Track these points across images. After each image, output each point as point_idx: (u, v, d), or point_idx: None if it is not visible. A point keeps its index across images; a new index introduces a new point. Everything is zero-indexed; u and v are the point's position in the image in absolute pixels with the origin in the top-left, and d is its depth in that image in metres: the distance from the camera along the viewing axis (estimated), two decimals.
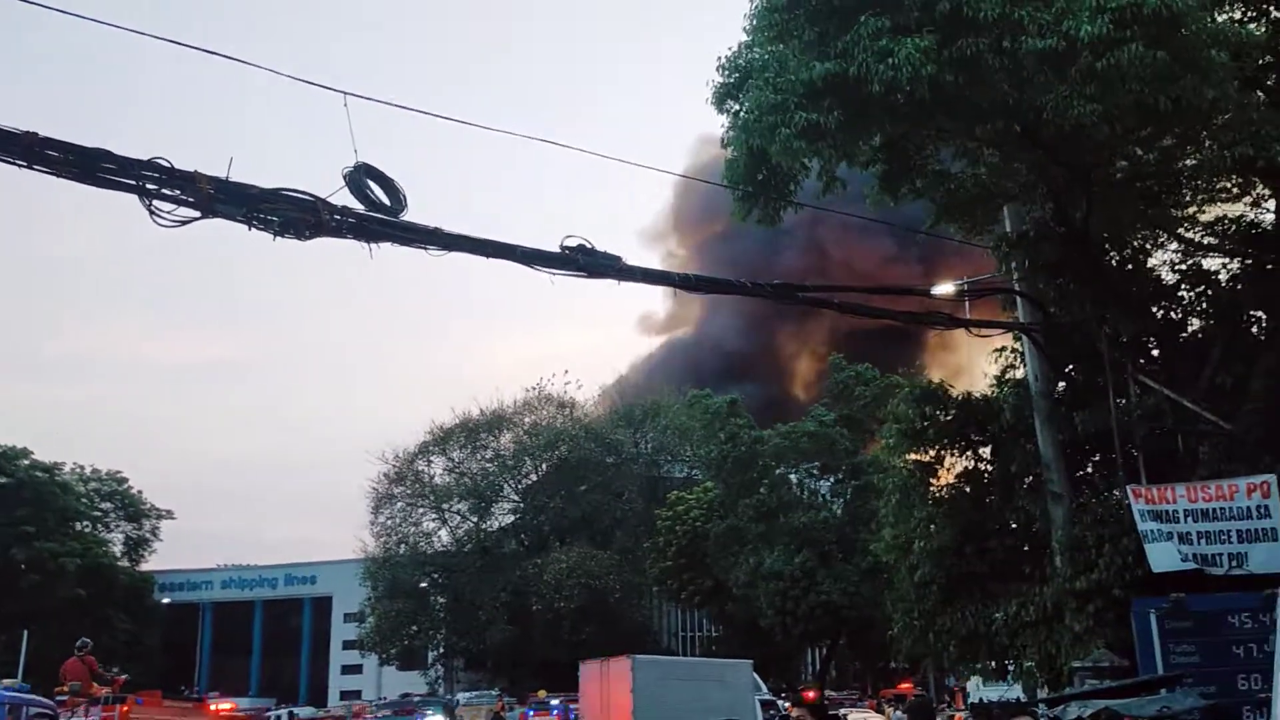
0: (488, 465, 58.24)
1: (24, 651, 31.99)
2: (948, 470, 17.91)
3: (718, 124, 13.77)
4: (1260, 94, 13.37)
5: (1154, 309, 16.35)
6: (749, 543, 39.62)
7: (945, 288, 16.49)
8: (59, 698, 16.11)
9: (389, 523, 57.62)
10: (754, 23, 12.96)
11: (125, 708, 16.39)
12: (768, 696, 32.62)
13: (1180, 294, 16.48)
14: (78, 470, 67.70)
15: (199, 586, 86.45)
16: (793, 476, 41.79)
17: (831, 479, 42.05)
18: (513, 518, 59.10)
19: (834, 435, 39.88)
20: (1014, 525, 17.06)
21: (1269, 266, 15.27)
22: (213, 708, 22.71)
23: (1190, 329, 16.56)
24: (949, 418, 17.50)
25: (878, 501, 23.23)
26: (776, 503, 39.09)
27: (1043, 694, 15.09)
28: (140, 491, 70.78)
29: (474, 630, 53.03)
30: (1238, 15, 13.08)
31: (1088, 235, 14.84)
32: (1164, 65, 10.66)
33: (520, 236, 10.37)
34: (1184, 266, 16.52)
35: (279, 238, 8.69)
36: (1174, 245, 16.43)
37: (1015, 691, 27.50)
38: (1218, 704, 11.43)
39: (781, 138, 11.83)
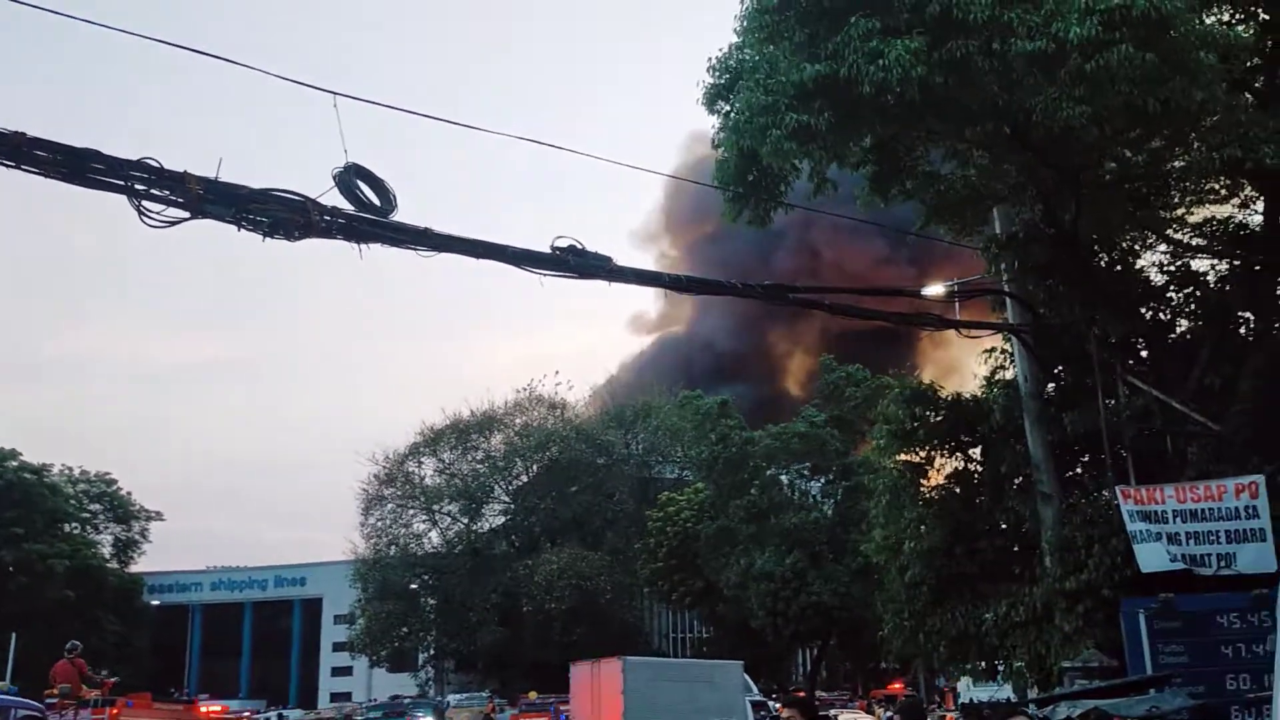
0: (478, 466, 58.17)
1: (12, 654, 31.89)
2: (938, 471, 17.97)
3: (709, 122, 13.80)
4: (1248, 96, 13.42)
5: (1143, 310, 16.40)
6: (740, 544, 39.66)
7: (935, 289, 16.52)
8: (48, 700, 16.06)
9: (379, 524, 57.57)
10: (744, 24, 12.97)
11: (115, 710, 16.35)
12: (759, 697, 32.62)
13: (1169, 295, 16.54)
14: (66, 472, 67.53)
15: (188, 588, 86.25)
16: (784, 477, 41.85)
17: (822, 480, 42.11)
18: (503, 519, 59.04)
19: (825, 436, 39.95)
20: (1004, 526, 17.10)
21: (1257, 268, 15.32)
22: (203, 710, 22.63)
23: (1179, 330, 16.62)
24: (939, 418, 17.55)
25: (868, 502, 23.28)
26: (767, 504, 39.13)
27: (1033, 694, 15.13)
28: (129, 493, 70.75)
29: (464, 632, 52.96)
30: (1226, 17, 13.12)
31: (1077, 237, 14.88)
32: (1153, 67, 10.69)
33: (512, 237, 10.38)
34: (1173, 268, 16.57)
35: (268, 238, 8.67)
36: (1163, 247, 16.48)
37: (1006, 692, 27.54)
38: (1206, 704, 11.46)
39: (772, 139, 11.84)
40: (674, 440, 53.24)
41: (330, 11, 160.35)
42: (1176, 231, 16.07)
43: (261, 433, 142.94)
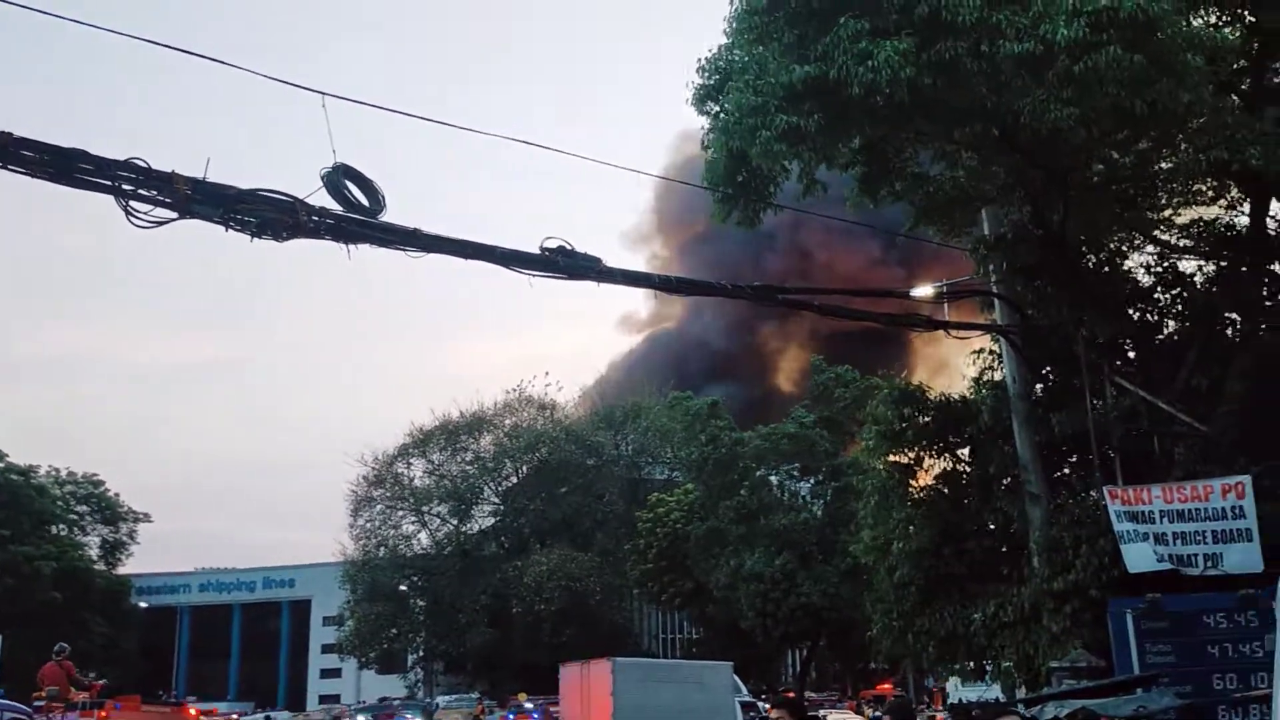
0: (468, 467, 58.07)
1: None
2: (926, 472, 18.00)
3: (699, 122, 13.83)
4: (1235, 98, 13.51)
5: (1130, 311, 16.46)
6: (730, 544, 39.68)
7: (924, 290, 16.55)
8: (36, 703, 15.99)
9: (368, 526, 57.38)
10: (734, 25, 13.00)
11: (103, 713, 16.27)
12: (748, 698, 32.65)
13: (1156, 296, 16.61)
14: (54, 473, 67.22)
15: (176, 590, 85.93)
16: (773, 478, 41.89)
17: (812, 480, 42.16)
18: (493, 520, 58.94)
19: (814, 437, 39.99)
20: (992, 526, 17.15)
21: (1244, 269, 15.40)
22: (192, 711, 22.53)
23: (1166, 331, 16.69)
24: (927, 419, 17.58)
25: (857, 503, 23.31)
26: (757, 504, 39.17)
27: (1021, 694, 15.17)
28: (117, 494, 70.42)
29: (454, 633, 52.86)
30: (1213, 20, 13.18)
31: (1065, 238, 14.93)
32: (1140, 69, 10.74)
33: (502, 238, 10.38)
34: (1160, 269, 16.64)
35: (256, 239, 8.66)
36: (1150, 248, 16.56)
37: (994, 692, 27.62)
38: (1193, 703, 11.50)
39: (762, 140, 11.87)
40: (664, 441, 53.25)
41: (319, 12, 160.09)
42: (1164, 233, 16.14)
43: (249, 434, 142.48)
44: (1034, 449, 15.92)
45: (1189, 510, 13.21)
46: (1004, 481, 17.00)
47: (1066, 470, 17.19)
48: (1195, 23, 12.20)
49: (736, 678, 30.95)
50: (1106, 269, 16.57)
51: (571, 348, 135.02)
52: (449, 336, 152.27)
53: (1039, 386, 16.99)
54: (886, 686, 47.77)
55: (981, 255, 16.38)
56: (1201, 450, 14.57)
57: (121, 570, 70.65)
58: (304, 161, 8.97)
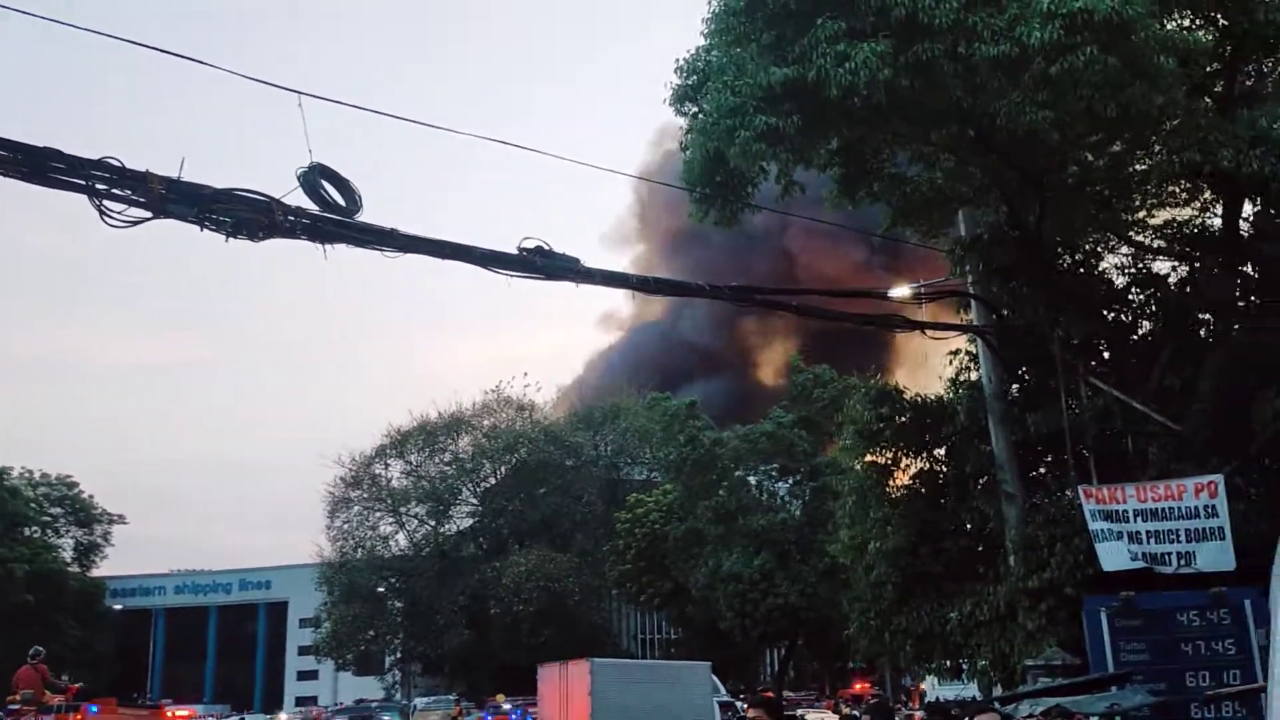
0: (446, 468, 57.88)
1: None
2: (904, 471, 18.06)
3: (678, 121, 13.83)
4: (1208, 100, 13.62)
5: (1105, 312, 16.57)
6: (708, 545, 39.70)
7: (901, 290, 16.62)
8: (10, 706, 15.85)
9: (345, 527, 57.09)
10: (712, 26, 13.01)
11: (78, 716, 16.15)
12: (726, 698, 32.69)
13: (1130, 297, 16.73)
14: (26, 475, 66.63)
15: (151, 592, 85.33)
16: (752, 479, 41.93)
17: (790, 481, 42.23)
18: (471, 521, 58.76)
19: (792, 437, 40.05)
20: (968, 525, 17.22)
21: (1216, 270, 15.53)
22: (169, 714, 22.36)
23: (1140, 331, 16.81)
24: (904, 419, 17.64)
25: (835, 503, 23.39)
26: (735, 505, 39.19)
27: (997, 692, 15.24)
28: (91, 496, 69.90)
29: (431, 634, 52.67)
30: (1186, 23, 13.29)
31: (1040, 239, 15.02)
32: (1114, 71, 10.82)
33: (482, 237, 10.35)
34: (1134, 270, 16.76)
35: (232, 239, 8.59)
36: (1124, 249, 16.68)
37: (972, 690, 27.76)
38: (1166, 700, 11.60)
39: (741, 140, 11.88)
40: (642, 442, 53.25)
41: (294, 10, 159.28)
42: (1138, 234, 16.27)
43: (225, 435, 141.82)
44: (1010, 448, 16.01)
45: (1162, 509, 13.31)
46: (980, 481, 17.08)
47: (1042, 469, 17.31)
48: (1169, 26, 12.29)
49: (715, 678, 30.98)
50: (1081, 270, 16.68)
51: (550, 348, 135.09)
52: (427, 337, 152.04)
53: (1015, 386, 17.09)
54: (864, 686, 47.97)
55: (958, 256, 16.45)
56: (1175, 449, 14.69)
57: (96, 573, 70.23)
58: (280, 161, 8.94)
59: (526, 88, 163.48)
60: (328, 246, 9.19)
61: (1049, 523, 15.20)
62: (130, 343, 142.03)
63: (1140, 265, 16.72)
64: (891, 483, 18.02)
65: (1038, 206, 14.44)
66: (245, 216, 8.60)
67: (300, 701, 74.47)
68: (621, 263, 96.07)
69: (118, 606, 75.16)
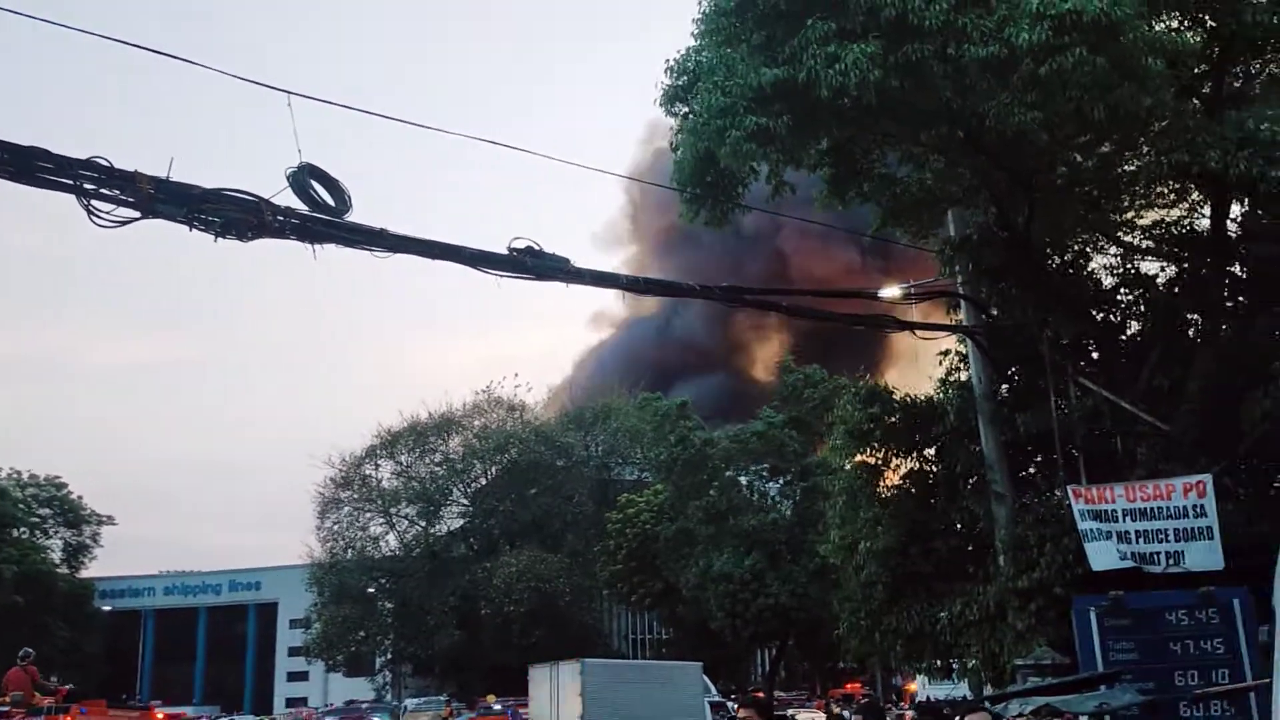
0: (436, 469, 57.83)
1: None
2: (894, 471, 18.07)
3: (667, 117, 13.83)
4: (1196, 102, 13.66)
5: (1094, 312, 16.62)
6: (699, 545, 39.71)
7: (891, 291, 16.64)
8: (0, 709, 15.78)
9: (335, 528, 57.03)
10: (702, 26, 13.02)
11: (68, 717, 16.10)
12: (717, 698, 32.75)
13: (1119, 297, 16.78)
14: (14, 476, 66.32)
15: (141, 593, 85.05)
16: (742, 479, 41.94)
17: (781, 481, 42.25)
18: (462, 522, 58.71)
19: (783, 437, 40.07)
20: (958, 525, 17.25)
21: (1205, 270, 15.59)
22: (159, 715, 22.30)
23: (1129, 332, 16.86)
24: (894, 420, 17.66)
25: (826, 503, 23.41)
26: (726, 505, 39.20)
27: (987, 692, 15.28)
28: (80, 497, 69.59)
29: (422, 635, 52.60)
30: (1174, 24, 13.34)
31: (1029, 239, 15.05)
32: (1103, 72, 10.86)
33: (474, 237, 10.38)
34: (1123, 270, 16.81)
35: (220, 239, 8.58)
36: (1113, 249, 16.72)
37: (962, 690, 27.82)
38: (1155, 700, 11.63)
39: (731, 140, 11.88)
40: (633, 442, 53.23)
41: (284, 10, 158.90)
42: (1126, 234, 16.31)
43: (214, 435, 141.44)
44: (999, 448, 16.04)
45: (1151, 509, 13.36)
46: (970, 481, 17.11)
47: (1031, 469, 17.34)
48: (1157, 27, 12.33)
49: (706, 678, 31.07)
50: (1070, 270, 16.72)
51: (541, 348, 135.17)
52: (418, 337, 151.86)
53: (1004, 387, 17.12)
54: (855, 686, 48.06)
55: (947, 256, 16.49)
56: (1163, 449, 14.74)
57: (84, 574, 69.95)
58: (269, 161, 8.92)
59: (517, 87, 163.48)
60: (317, 247, 9.18)
61: (1038, 522, 15.23)
62: (119, 342, 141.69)
63: (1129, 266, 16.77)
64: (882, 483, 18.04)
65: (1027, 207, 14.47)
66: (234, 216, 8.59)
67: (290, 703, 74.32)
68: (614, 263, 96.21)
69: (107, 608, 74.90)
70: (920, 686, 41.28)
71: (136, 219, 8.24)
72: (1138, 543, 13.41)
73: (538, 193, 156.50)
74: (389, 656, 57.56)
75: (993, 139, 12.68)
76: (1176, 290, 16.11)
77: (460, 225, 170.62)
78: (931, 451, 17.92)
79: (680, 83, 13.21)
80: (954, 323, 17.24)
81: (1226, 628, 12.45)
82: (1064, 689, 10.88)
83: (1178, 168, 12.79)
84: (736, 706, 17.47)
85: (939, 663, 17.71)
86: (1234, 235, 15.30)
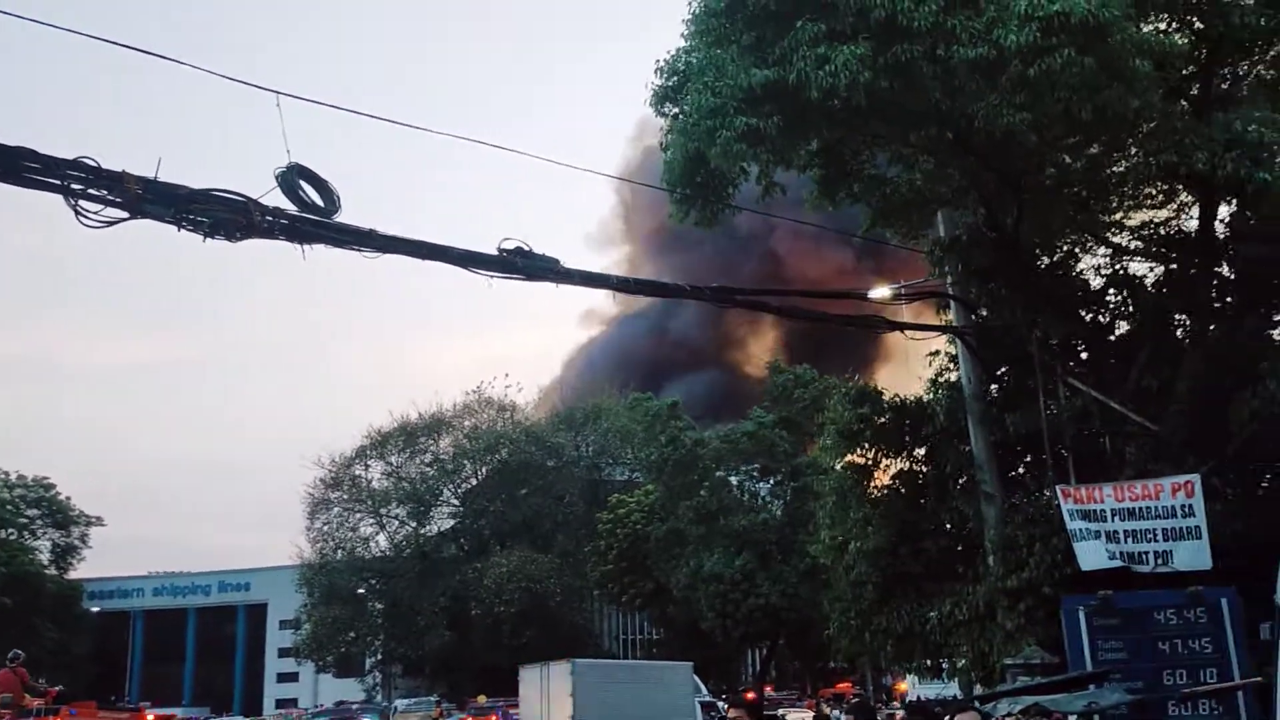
0: (427, 469, 57.75)
1: None
2: (884, 472, 18.10)
3: (657, 117, 13.82)
4: (1184, 103, 13.71)
5: (1082, 312, 16.67)
6: (689, 545, 39.74)
7: (881, 291, 16.67)
8: None
9: (325, 528, 56.91)
10: (692, 27, 13.02)
11: (58, 719, 16.06)
12: (708, 698, 32.75)
13: (1108, 298, 16.82)
14: (3, 476, 66.01)
15: (130, 594, 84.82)
16: (733, 479, 41.98)
17: (771, 481, 42.31)
18: (452, 522, 58.65)
19: (773, 437, 40.13)
20: (948, 525, 17.29)
21: (1193, 271, 15.64)
22: (149, 716, 22.23)
23: (1118, 332, 16.91)
24: (884, 420, 17.70)
25: (816, 503, 23.44)
26: (717, 505, 39.23)
27: (977, 691, 15.31)
28: (69, 498, 69.24)
29: (412, 636, 52.52)
30: (1162, 26, 13.38)
31: (1018, 240, 15.09)
32: (1091, 73, 10.89)
33: (466, 238, 10.37)
34: (1111, 271, 16.86)
35: (209, 239, 8.55)
36: (1102, 250, 16.77)
37: (953, 689, 27.89)
38: (1143, 699, 11.67)
39: (722, 140, 11.89)
40: (624, 442, 53.24)
41: (273, 11, 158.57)
42: (1115, 235, 16.36)
43: (204, 436, 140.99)
44: (989, 449, 16.08)
45: (1140, 508, 13.40)
46: (959, 481, 17.15)
47: (1020, 470, 17.39)
48: (1145, 29, 12.37)
49: (696, 678, 31.06)
50: (1059, 271, 16.77)
51: (532, 348, 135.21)
52: (408, 338, 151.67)
53: (994, 387, 17.17)
54: (845, 685, 48.15)
55: (937, 257, 16.52)
56: (1152, 449, 14.78)
57: (73, 575, 69.62)
58: (259, 161, 8.90)
59: (509, 87, 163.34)
60: (306, 247, 9.16)
61: (1028, 522, 15.27)
62: (113, 342, 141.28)
63: (1117, 266, 16.82)
64: (872, 483, 18.06)
65: (1015, 208, 14.51)
66: (223, 217, 8.56)
67: (280, 704, 74.16)
68: (607, 263, 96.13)
69: (96, 608, 74.65)
70: (910, 686, 41.39)
71: (124, 219, 8.21)
72: (1126, 542, 13.46)
73: (529, 192, 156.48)
74: (379, 657, 57.46)
75: (982, 140, 12.70)
76: (1165, 291, 16.16)
77: (452, 226, 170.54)
78: (921, 452, 17.96)
79: (670, 83, 13.22)
80: (944, 323, 17.27)
81: (1214, 627, 12.47)
82: (1053, 688, 10.91)
83: (1166, 169, 12.84)
84: (727, 706, 17.51)
85: (929, 662, 17.75)
86: (1222, 236, 15.36)
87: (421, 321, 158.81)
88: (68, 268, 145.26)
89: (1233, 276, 15.74)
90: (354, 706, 51.29)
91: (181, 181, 8.45)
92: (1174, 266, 16.16)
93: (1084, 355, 16.89)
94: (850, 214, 17.48)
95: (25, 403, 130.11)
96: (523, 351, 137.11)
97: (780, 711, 36.55)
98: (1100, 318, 16.91)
